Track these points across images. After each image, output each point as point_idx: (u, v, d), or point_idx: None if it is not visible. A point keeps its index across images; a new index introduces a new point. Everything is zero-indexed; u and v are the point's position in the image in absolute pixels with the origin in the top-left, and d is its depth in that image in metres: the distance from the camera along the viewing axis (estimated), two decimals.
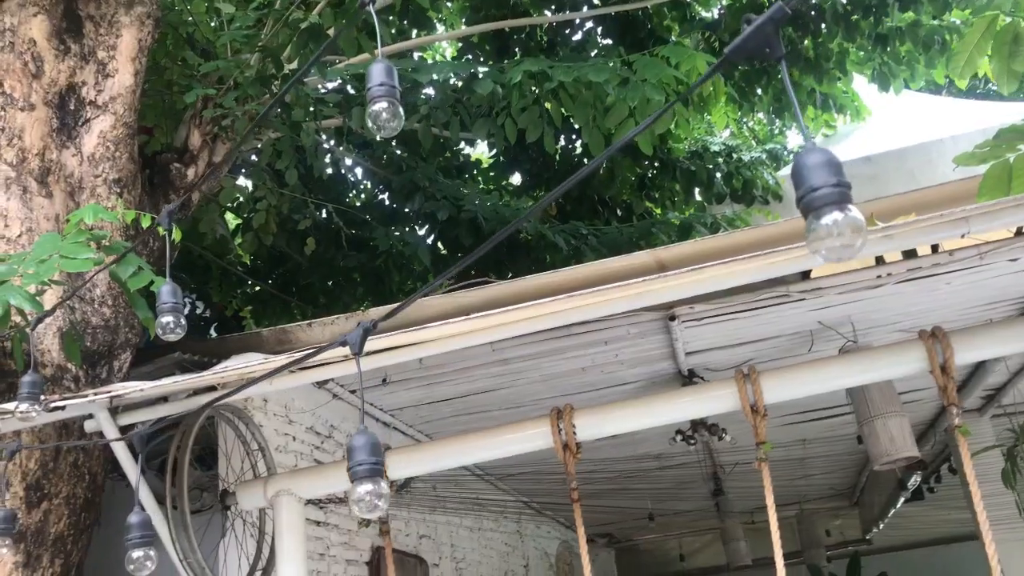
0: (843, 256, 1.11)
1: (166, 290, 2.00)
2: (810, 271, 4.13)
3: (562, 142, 7.42)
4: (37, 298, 2.82)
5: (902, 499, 8.20)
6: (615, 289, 2.26)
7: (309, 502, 3.85)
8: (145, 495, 2.92)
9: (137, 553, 1.98)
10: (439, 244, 6.43)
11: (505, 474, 6.80)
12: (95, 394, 2.47)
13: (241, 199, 5.73)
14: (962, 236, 2.32)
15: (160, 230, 2.78)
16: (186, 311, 6.77)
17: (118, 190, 3.48)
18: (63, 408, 2.46)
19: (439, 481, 6.12)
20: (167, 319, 1.97)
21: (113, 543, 4.36)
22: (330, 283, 6.59)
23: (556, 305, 2.32)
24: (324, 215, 6.44)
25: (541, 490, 8.13)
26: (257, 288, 6.79)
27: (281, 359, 2.33)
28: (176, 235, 2.82)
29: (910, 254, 4.13)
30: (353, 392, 4.92)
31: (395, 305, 1.87)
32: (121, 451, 2.74)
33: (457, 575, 6.10)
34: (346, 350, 1.72)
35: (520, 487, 7.85)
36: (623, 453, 6.98)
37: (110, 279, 3.21)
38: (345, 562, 4.43)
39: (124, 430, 2.86)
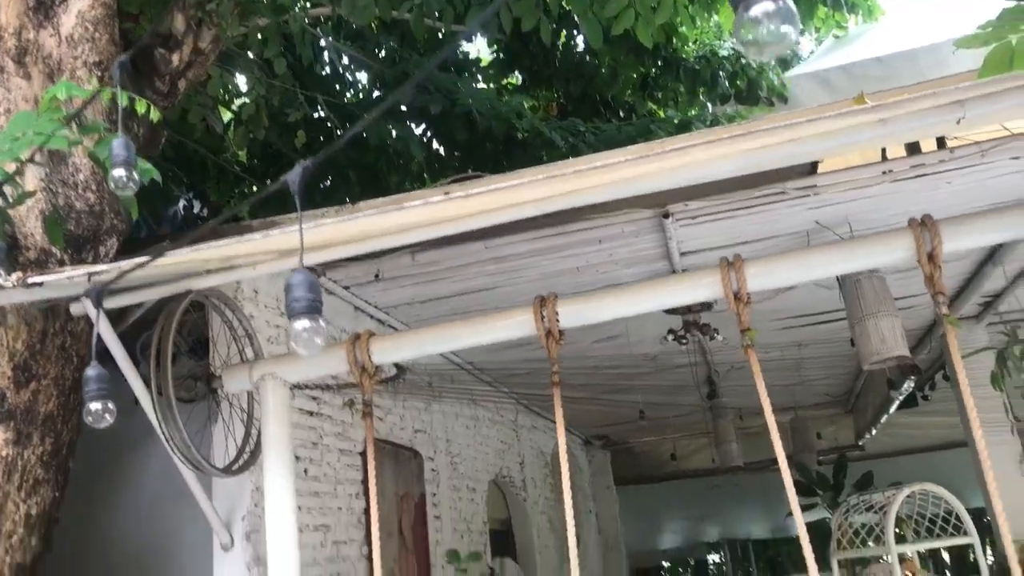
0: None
1: (118, 144, 1.96)
2: (816, 167, 4.07)
3: (563, 38, 7.23)
4: (17, 178, 2.78)
5: (895, 405, 8.29)
6: (603, 171, 2.20)
7: (296, 387, 3.89)
8: (131, 375, 2.94)
9: (95, 405, 2.00)
10: (433, 140, 6.34)
11: (501, 372, 6.87)
12: (73, 271, 2.46)
13: (231, 89, 5.61)
14: (957, 122, 2.25)
15: (137, 106, 2.73)
16: (182, 207, 6.72)
17: (99, 73, 3.40)
18: (40, 285, 2.46)
19: (436, 377, 6.19)
20: (119, 172, 1.94)
21: (121, 427, 4.44)
22: (326, 183, 6.52)
23: (542, 188, 2.27)
24: (317, 113, 6.33)
25: (538, 395, 8.24)
26: (254, 188, 6.74)
27: (250, 237, 2.31)
28: (154, 114, 2.76)
29: (913, 149, 4.05)
30: (347, 288, 4.93)
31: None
32: (106, 331, 2.75)
33: (452, 469, 6.23)
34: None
35: (516, 387, 7.95)
36: (620, 352, 7.04)
37: (94, 165, 3.17)
38: (338, 451, 4.51)
39: (110, 317, 2.86)
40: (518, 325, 2.80)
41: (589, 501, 10.84)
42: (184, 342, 3.62)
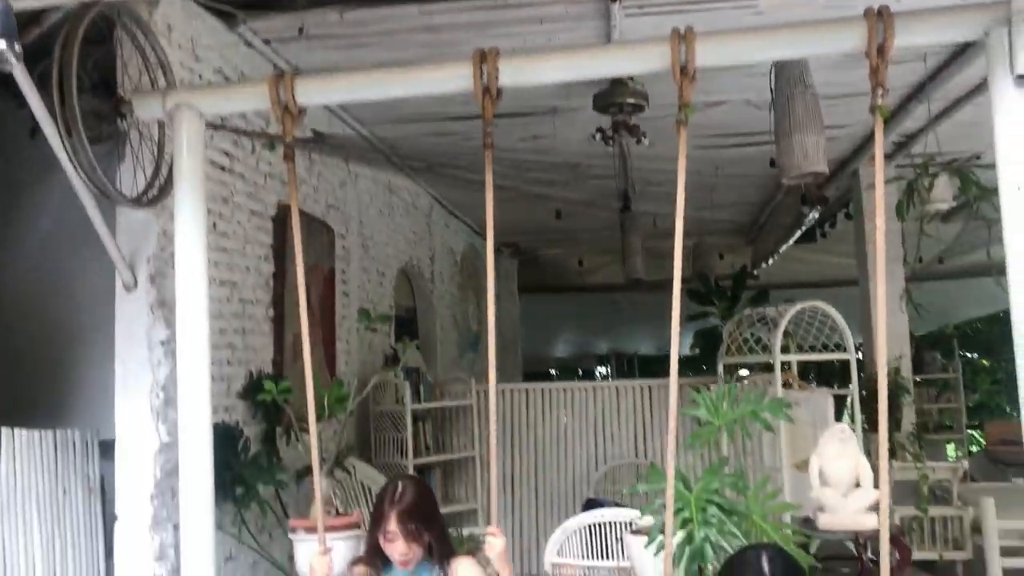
0: None
1: None
2: None
3: None
4: None
5: (796, 236, 8.61)
6: None
7: (212, 127, 3.70)
8: (29, 92, 2.71)
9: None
10: None
11: (418, 152, 6.71)
12: None
13: None
14: None
15: None
16: None
17: None
18: None
19: (353, 157, 6.02)
20: None
21: (12, 164, 4.17)
22: None
23: None
24: None
25: (455, 194, 8.18)
26: None
27: None
28: None
29: None
30: (267, 43, 4.62)
31: None
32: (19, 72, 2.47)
33: (363, 251, 6.19)
34: None
35: (433, 183, 7.86)
36: (543, 159, 6.99)
37: None
38: (249, 212, 4.38)
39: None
40: (455, 79, 2.67)
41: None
42: (88, 77, 3.35)
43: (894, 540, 3.05)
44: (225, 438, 3.94)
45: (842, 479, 3.15)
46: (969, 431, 12.20)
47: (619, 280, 11.77)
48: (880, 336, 2.73)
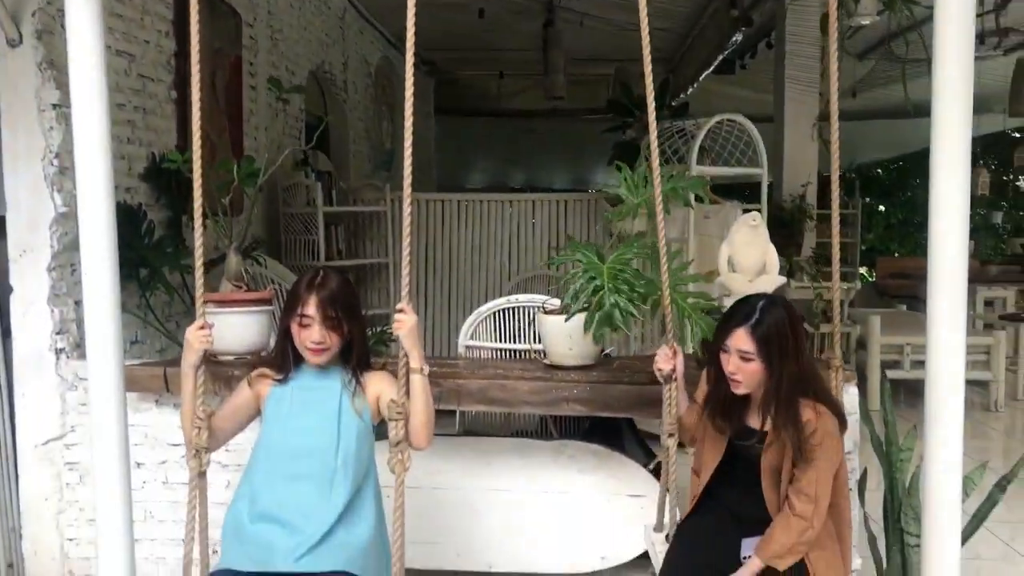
0: None
1: None
2: None
3: None
4: None
5: (717, 60, 8.53)
6: None
7: None
8: None
9: None
10: None
11: None
12: None
13: None
14: None
15: None
16: None
17: None
18: None
19: None
20: None
21: None
22: None
23: None
24: None
25: None
26: None
27: None
28: None
29: None
30: None
31: None
32: None
33: (271, 44, 5.83)
34: None
35: None
36: None
37: None
38: None
39: None
40: None
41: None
42: None
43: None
44: (127, 219, 3.77)
45: (750, 265, 3.24)
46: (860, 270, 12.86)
47: (538, 106, 11.60)
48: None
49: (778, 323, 2.32)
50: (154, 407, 3.28)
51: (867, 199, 15.62)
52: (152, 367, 3.22)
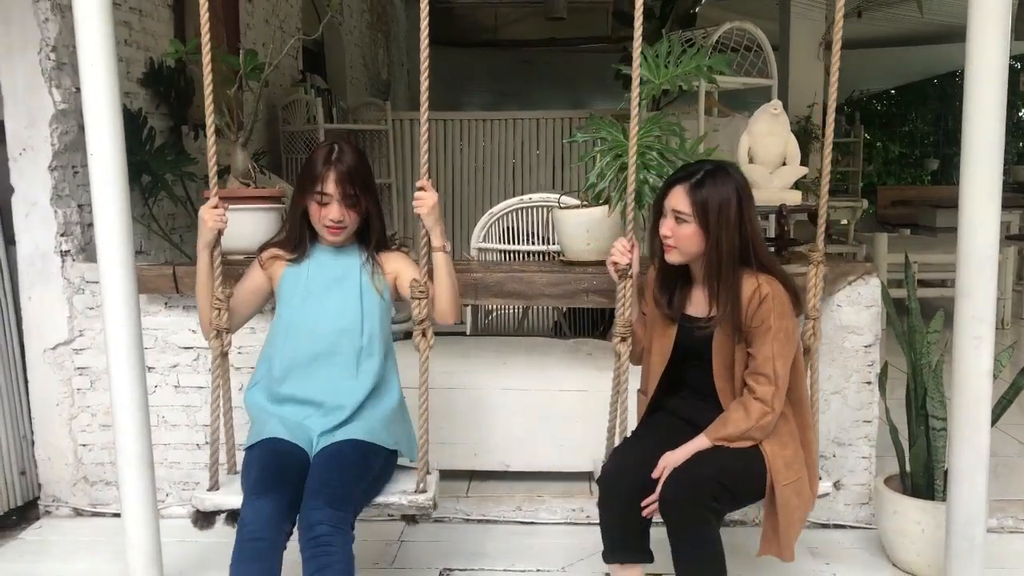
0: None
1: None
2: None
3: None
4: None
5: None
6: None
7: None
8: None
9: None
10: None
11: None
12: None
13: None
14: None
15: None
16: None
17: None
18: None
19: None
20: None
21: None
22: None
23: None
24: None
25: None
26: None
27: None
28: None
29: None
30: None
31: None
32: None
33: None
34: None
35: None
36: None
37: None
38: None
39: None
40: None
41: (403, 55, 10.60)
42: None
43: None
44: (127, 124, 3.64)
45: (770, 157, 3.16)
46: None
47: (534, 36, 11.36)
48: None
49: (722, 188, 2.12)
50: (163, 309, 3.21)
51: (866, 135, 15.51)
52: (161, 267, 3.15)
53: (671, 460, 2.16)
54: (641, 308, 2.41)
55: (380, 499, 2.26)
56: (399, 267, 2.38)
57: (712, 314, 2.18)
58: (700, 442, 2.17)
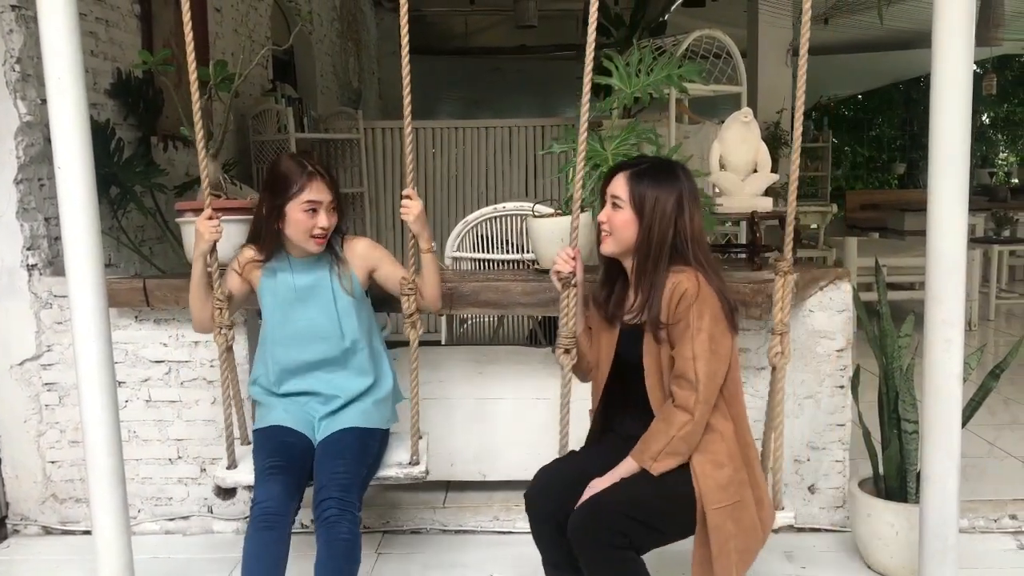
0: None
1: None
2: None
3: None
4: None
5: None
6: None
7: None
8: None
9: None
10: None
11: None
12: None
13: None
14: None
15: None
16: None
17: None
18: None
19: None
20: None
21: None
22: None
23: None
24: None
25: None
26: None
27: None
28: None
29: None
30: None
31: None
32: None
33: None
34: None
35: None
36: None
37: None
38: None
39: None
40: None
41: (373, 63, 10.58)
42: None
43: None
44: (95, 136, 3.60)
45: (742, 164, 3.19)
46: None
47: (505, 43, 11.38)
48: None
49: (664, 181, 2.05)
50: (134, 323, 3.17)
51: (834, 140, 15.71)
52: (132, 280, 3.11)
53: (596, 486, 2.05)
54: (587, 322, 2.31)
55: (381, 473, 2.50)
56: (371, 260, 2.49)
57: (645, 317, 2.06)
58: (628, 466, 2.03)
